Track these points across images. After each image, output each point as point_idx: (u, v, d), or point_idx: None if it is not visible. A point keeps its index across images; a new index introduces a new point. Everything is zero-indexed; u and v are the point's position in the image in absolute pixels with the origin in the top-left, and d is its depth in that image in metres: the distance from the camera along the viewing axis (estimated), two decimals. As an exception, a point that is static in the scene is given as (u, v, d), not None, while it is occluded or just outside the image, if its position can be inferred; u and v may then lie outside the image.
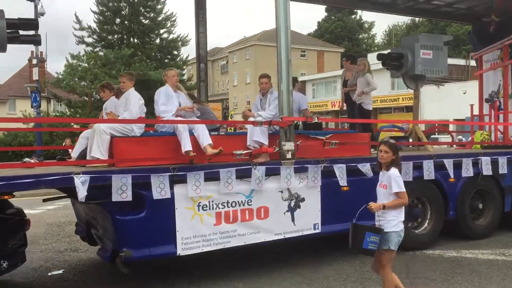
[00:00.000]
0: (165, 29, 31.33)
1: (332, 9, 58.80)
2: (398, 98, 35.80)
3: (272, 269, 6.77)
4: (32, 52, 26.95)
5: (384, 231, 4.81)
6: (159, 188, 5.59)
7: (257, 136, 6.44)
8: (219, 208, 6.08)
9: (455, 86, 32.83)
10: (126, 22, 31.06)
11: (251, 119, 6.64)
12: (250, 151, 6.31)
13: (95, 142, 5.84)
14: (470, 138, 11.51)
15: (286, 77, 6.58)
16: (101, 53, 30.37)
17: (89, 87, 28.27)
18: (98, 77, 26.92)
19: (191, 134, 6.21)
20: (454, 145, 11.65)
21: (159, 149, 6.03)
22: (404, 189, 4.89)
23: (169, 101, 6.60)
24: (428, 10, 11.07)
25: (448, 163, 7.98)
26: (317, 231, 6.81)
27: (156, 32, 32.32)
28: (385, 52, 10.45)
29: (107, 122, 6.09)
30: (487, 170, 8.37)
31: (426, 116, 32.32)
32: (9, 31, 5.89)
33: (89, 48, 30.71)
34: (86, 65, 29.88)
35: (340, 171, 6.90)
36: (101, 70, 28.47)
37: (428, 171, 7.75)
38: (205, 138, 6.16)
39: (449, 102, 31.42)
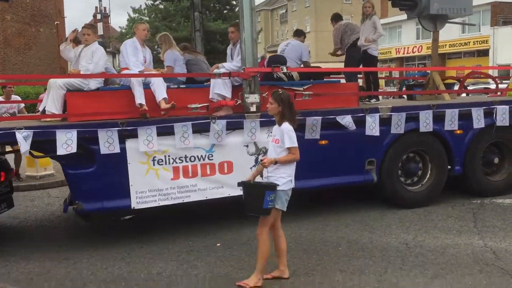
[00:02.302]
0: (224, -21, 30.60)
1: None
2: (469, 42, 32.55)
3: (330, 216, 6.65)
4: (96, 7, 27.67)
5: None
6: (107, 143, 5.44)
7: (218, 88, 6.01)
8: (177, 162, 5.83)
9: (536, 26, 29.19)
10: (185, -27, 30.75)
11: (215, 71, 6.19)
12: (206, 104, 5.91)
13: (50, 96, 5.78)
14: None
15: (249, 25, 6.01)
16: (161, 6, 30.57)
17: (151, 40, 28.73)
18: (159, 30, 27.21)
19: (148, 88, 5.93)
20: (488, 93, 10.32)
21: (114, 104, 5.83)
22: (296, 144, 4.39)
23: (136, 54, 6.31)
24: None
25: (452, 114, 7.03)
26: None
27: (215, -18, 31.71)
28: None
29: (64, 77, 5.97)
30: (503, 120, 7.30)
31: (500, 61, 29.24)
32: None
33: (150, 2, 30.99)
34: (147, 18, 30.29)
35: (313, 123, 6.31)
36: (162, 23, 28.75)
37: (426, 122, 6.89)
38: (160, 92, 5.85)
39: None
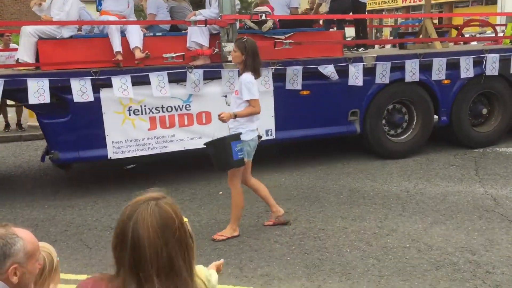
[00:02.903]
0: None
1: None
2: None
3: (332, 165, 6.68)
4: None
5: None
6: (81, 91, 5.33)
7: (195, 36, 5.80)
8: (153, 113, 5.74)
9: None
10: None
11: (192, 18, 5.95)
12: (182, 53, 5.73)
13: (22, 45, 5.62)
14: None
15: (226, -31, 5.70)
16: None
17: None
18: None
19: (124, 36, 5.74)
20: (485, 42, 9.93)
21: (88, 52, 5.66)
22: (256, 96, 4.21)
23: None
24: None
25: (439, 63, 6.80)
26: (270, 137, 6.29)
27: None
28: None
29: (37, 24, 5.78)
30: (492, 70, 7.05)
31: (508, 9, 28.11)
32: None
33: None
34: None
35: (294, 73, 6.14)
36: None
37: (412, 72, 6.68)
38: (135, 41, 5.66)
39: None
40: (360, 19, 7.76)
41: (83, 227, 4.80)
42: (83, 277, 3.61)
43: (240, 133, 4.20)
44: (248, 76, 4.19)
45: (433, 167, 6.44)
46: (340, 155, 7.11)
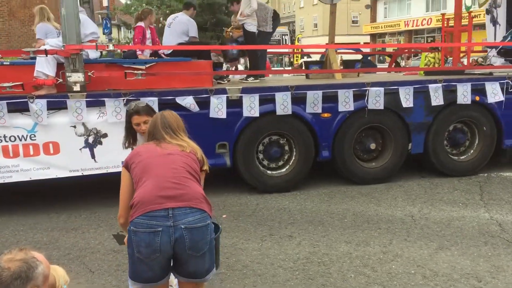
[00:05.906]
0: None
1: None
2: (480, 15, 30.09)
3: (336, 189, 6.59)
4: (100, -20, 27.32)
5: None
6: None
7: (41, 66, 5.64)
8: (-5, 142, 5.57)
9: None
10: None
11: (42, 47, 5.80)
12: (20, 83, 5.56)
13: None
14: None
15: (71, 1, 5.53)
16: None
17: (156, 12, 28.16)
18: (165, 2, 26.67)
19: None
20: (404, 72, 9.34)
21: None
22: None
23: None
24: None
25: (314, 96, 6.37)
26: (129, 168, 5.99)
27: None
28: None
29: None
30: (376, 103, 6.55)
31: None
32: None
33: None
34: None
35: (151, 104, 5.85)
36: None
37: (283, 105, 6.28)
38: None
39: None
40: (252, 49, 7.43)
41: (86, 251, 4.70)
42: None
43: None
44: None
45: (437, 192, 6.32)
46: (343, 179, 6.85)
